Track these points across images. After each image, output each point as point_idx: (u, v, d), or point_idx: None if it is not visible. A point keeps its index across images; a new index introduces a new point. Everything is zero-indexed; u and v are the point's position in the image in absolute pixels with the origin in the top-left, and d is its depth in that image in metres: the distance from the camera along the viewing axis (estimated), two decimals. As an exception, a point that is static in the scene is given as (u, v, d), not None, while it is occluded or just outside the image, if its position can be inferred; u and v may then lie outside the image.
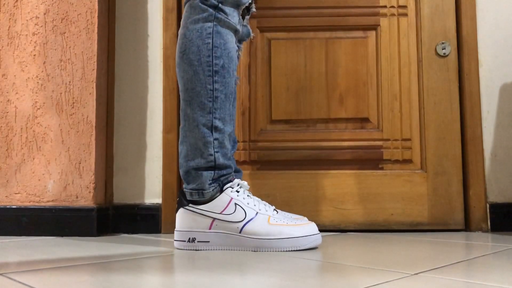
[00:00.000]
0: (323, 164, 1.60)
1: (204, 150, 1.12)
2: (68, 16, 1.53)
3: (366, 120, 1.62)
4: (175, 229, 1.16)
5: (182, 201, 1.15)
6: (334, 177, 1.59)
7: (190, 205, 1.14)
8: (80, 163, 1.48)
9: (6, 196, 1.48)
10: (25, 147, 1.49)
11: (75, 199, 1.47)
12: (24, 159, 1.49)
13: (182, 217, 1.14)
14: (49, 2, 1.53)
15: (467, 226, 1.56)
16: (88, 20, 1.52)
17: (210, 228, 1.12)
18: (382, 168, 1.60)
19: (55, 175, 1.48)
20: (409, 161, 1.60)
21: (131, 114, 1.63)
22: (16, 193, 1.48)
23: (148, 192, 1.60)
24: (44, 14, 1.53)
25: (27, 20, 1.53)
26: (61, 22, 1.53)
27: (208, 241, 1.12)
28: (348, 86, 1.63)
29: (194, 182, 1.13)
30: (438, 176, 1.58)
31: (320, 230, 1.56)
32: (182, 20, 1.18)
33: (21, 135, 1.50)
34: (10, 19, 1.53)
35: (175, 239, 1.15)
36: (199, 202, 1.14)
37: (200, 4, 1.14)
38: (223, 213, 1.12)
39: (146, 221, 1.56)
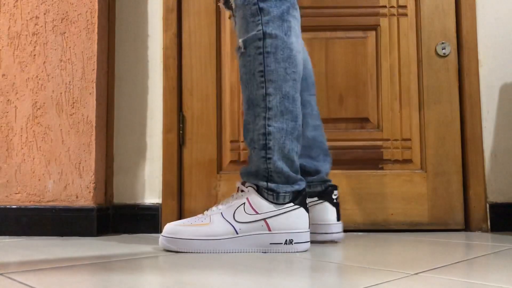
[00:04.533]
0: (323, 164, 1.60)
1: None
2: (68, 16, 1.53)
3: (366, 120, 1.62)
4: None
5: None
6: (334, 177, 1.59)
7: None
8: (80, 163, 1.48)
9: (6, 196, 1.48)
10: (25, 147, 1.49)
11: (75, 199, 1.47)
12: (24, 159, 1.49)
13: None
14: (49, 2, 1.53)
15: (467, 226, 1.56)
16: (88, 20, 1.52)
17: None
18: (382, 168, 1.60)
19: (55, 175, 1.48)
20: (409, 161, 1.60)
21: (131, 114, 1.63)
22: (16, 193, 1.48)
23: (148, 192, 1.60)
24: (44, 14, 1.53)
25: (27, 20, 1.53)
26: (61, 22, 1.53)
27: None
28: (348, 86, 1.63)
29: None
30: (438, 176, 1.58)
31: (320, 230, 1.57)
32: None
33: (21, 135, 1.50)
34: (10, 19, 1.53)
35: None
36: None
37: None
38: None
39: (146, 221, 1.56)
